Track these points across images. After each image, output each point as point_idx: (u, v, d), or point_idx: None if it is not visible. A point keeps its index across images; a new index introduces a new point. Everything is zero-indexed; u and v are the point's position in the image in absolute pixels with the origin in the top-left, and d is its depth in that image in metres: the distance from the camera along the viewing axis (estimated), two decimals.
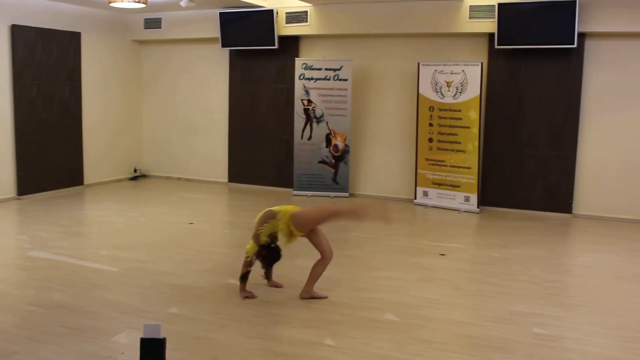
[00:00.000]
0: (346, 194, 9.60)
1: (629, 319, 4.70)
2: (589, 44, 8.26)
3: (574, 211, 8.55)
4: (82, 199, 9.24)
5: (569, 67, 8.35)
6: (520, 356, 3.99)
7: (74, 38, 9.62)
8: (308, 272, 5.72)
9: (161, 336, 3.32)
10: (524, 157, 8.72)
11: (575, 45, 7.99)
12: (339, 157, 9.57)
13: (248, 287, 5.05)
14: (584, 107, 8.40)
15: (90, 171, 10.17)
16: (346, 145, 9.52)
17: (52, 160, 9.39)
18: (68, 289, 5.11)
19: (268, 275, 5.28)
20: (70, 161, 9.74)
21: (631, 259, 6.44)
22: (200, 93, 10.83)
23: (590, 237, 7.52)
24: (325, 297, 4.98)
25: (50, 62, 9.23)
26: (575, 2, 7.78)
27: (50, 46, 9.21)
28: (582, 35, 8.13)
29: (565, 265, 6.34)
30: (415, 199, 9.22)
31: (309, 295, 5.01)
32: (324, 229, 5.01)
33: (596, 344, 4.20)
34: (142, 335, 3.33)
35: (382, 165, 9.68)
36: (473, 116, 8.50)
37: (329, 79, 9.45)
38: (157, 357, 3.29)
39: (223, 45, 10.03)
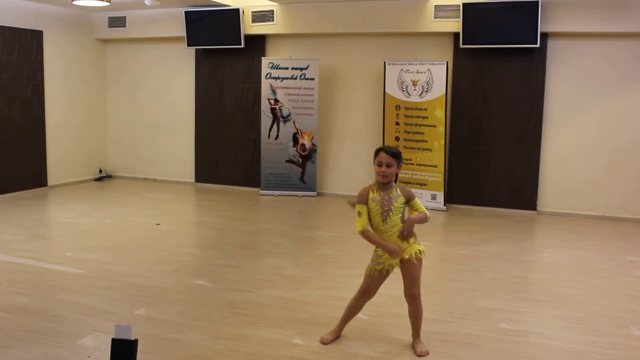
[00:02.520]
0: (314, 193, 9.61)
1: (593, 314, 4.79)
2: (551, 43, 8.40)
3: (538, 208, 8.68)
4: (46, 201, 9.09)
5: (532, 66, 8.48)
6: (487, 351, 4.04)
7: (35, 36, 9.45)
8: (276, 271, 5.72)
9: (132, 337, 3.28)
10: (490, 155, 8.83)
11: (538, 45, 8.12)
12: (306, 156, 9.57)
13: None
14: (547, 105, 8.54)
15: (54, 172, 10.02)
16: (313, 145, 9.53)
17: (15, 161, 9.21)
18: (32, 293, 5.02)
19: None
20: (33, 162, 9.58)
21: (594, 255, 6.57)
22: (166, 92, 10.73)
23: (555, 233, 7.64)
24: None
25: (11, 61, 9.05)
26: (537, 2, 7.91)
27: (12, 45, 9.04)
28: (544, 35, 8.27)
29: (531, 261, 6.43)
30: None
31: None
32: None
33: (561, 338, 4.27)
34: (113, 336, 3.28)
35: (349, 164, 9.71)
36: (439, 115, 8.58)
37: (295, 78, 9.45)
38: (128, 359, 3.25)
39: (189, 44, 9.96)
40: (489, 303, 4.97)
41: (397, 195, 4.00)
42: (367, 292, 4.15)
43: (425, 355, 4.00)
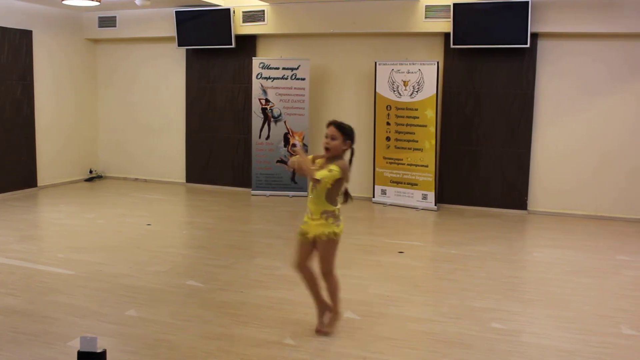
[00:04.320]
0: (305, 193, 9.60)
1: (584, 313, 4.81)
2: (541, 43, 8.43)
3: (529, 207, 8.71)
4: (36, 201, 9.04)
5: (522, 66, 8.51)
6: (479, 351, 4.05)
7: (25, 36, 9.39)
8: (267, 271, 5.72)
9: (99, 349, 3.24)
10: (480, 154, 8.85)
11: (528, 45, 8.15)
12: None
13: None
14: (538, 105, 8.57)
15: (45, 173, 9.96)
16: (304, 145, 9.52)
17: (5, 161, 9.15)
18: (22, 294, 4.99)
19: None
20: (23, 162, 9.52)
21: (585, 254, 6.60)
22: (157, 92, 10.70)
23: (546, 232, 7.67)
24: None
25: (0, 61, 8.99)
26: (527, 3, 7.94)
27: (1, 45, 8.98)
28: (534, 36, 8.30)
29: (522, 261, 6.46)
30: (374, 197, 9.27)
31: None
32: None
33: (552, 337, 4.29)
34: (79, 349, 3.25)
35: None
36: (430, 115, 8.60)
37: (286, 78, 9.44)
38: None
39: (179, 44, 9.93)
40: (480, 303, 4.98)
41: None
42: (297, 263, 4.33)
43: (323, 334, 4.24)
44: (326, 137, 4.13)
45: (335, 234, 4.20)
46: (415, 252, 6.57)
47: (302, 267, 4.30)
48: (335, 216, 4.20)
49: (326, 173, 4.04)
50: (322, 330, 4.29)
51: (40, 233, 7.37)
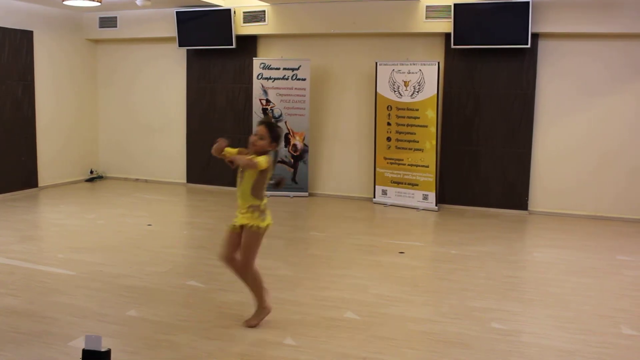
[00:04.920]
0: (305, 194, 9.61)
1: (584, 313, 4.81)
2: (542, 43, 8.43)
3: (529, 208, 8.71)
4: (36, 202, 9.05)
5: (523, 66, 8.51)
6: (479, 351, 4.05)
7: (26, 36, 9.40)
8: (268, 272, 5.72)
9: (103, 348, 3.23)
10: (481, 155, 8.85)
11: (529, 45, 8.16)
12: (298, 157, 9.57)
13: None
14: (538, 105, 8.58)
15: (45, 173, 9.97)
16: (305, 145, 9.53)
17: (5, 162, 9.16)
18: (23, 294, 5.00)
19: None
20: (23, 163, 9.52)
21: (585, 254, 6.60)
22: (157, 93, 10.71)
23: (546, 233, 7.67)
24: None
25: (1, 62, 9.00)
26: (528, 3, 7.94)
27: (2, 45, 8.99)
28: (535, 36, 8.30)
29: (522, 261, 6.46)
30: (374, 197, 9.28)
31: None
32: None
33: (552, 338, 4.29)
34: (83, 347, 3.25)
35: (341, 164, 9.72)
36: (430, 115, 8.60)
37: (287, 79, 9.44)
38: None
39: (180, 45, 9.94)
40: (480, 303, 4.98)
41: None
42: (222, 247, 4.44)
43: (249, 326, 4.35)
44: (255, 134, 4.31)
45: (259, 228, 4.28)
46: (415, 253, 6.58)
47: (229, 259, 4.41)
48: (260, 210, 4.30)
49: (260, 158, 4.20)
50: (248, 322, 4.40)
51: (40, 233, 7.37)
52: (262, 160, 4.17)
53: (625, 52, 8.14)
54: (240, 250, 4.34)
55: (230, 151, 4.40)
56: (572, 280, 5.67)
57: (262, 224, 4.30)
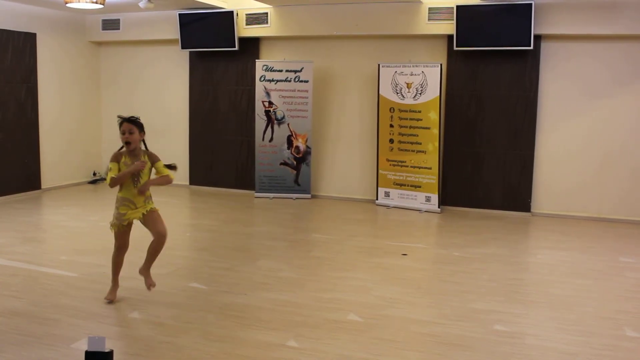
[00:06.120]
0: (308, 196, 9.61)
1: (587, 315, 4.80)
2: (544, 45, 8.43)
3: (532, 210, 8.70)
4: (39, 204, 9.06)
5: (525, 68, 8.51)
6: (482, 353, 4.05)
7: (29, 39, 9.42)
8: (271, 274, 5.73)
9: (106, 349, 3.24)
10: (484, 157, 8.85)
11: (531, 47, 8.15)
12: (301, 159, 9.57)
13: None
14: (541, 107, 8.57)
15: (48, 175, 9.98)
16: (307, 147, 9.53)
17: (8, 164, 9.18)
18: (26, 296, 5.00)
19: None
20: (27, 165, 9.54)
21: (588, 256, 6.59)
22: (160, 95, 10.72)
23: (549, 235, 7.66)
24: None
25: (5, 64, 9.02)
26: (531, 5, 7.93)
27: (5, 47, 9.01)
28: (538, 38, 8.29)
29: (525, 263, 6.45)
30: (377, 199, 9.27)
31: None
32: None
33: (555, 340, 4.28)
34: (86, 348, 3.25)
35: (343, 166, 9.72)
36: (433, 117, 8.59)
37: (289, 81, 9.45)
38: None
39: (183, 47, 9.95)
40: (483, 305, 4.97)
41: (144, 161, 4.59)
42: (122, 246, 4.89)
43: (153, 286, 4.88)
44: (124, 133, 4.59)
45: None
46: (418, 255, 6.57)
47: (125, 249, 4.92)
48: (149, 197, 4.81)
49: (165, 170, 4.77)
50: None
51: (43, 235, 7.38)
52: (163, 168, 4.78)
53: (628, 54, 8.13)
54: (159, 223, 4.78)
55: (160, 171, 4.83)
56: (575, 282, 5.66)
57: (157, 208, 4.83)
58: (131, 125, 4.61)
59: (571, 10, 8.04)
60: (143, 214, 4.71)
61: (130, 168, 4.57)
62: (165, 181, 4.75)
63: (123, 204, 4.71)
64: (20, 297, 4.98)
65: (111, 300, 4.86)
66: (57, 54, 10.06)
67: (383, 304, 4.96)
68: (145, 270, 4.94)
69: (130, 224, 4.80)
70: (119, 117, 4.70)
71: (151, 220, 4.75)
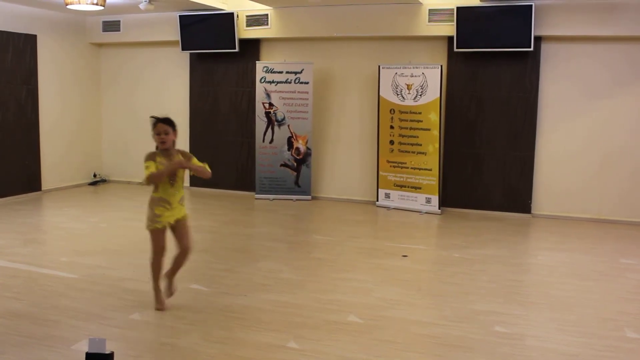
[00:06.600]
0: (308, 197, 9.62)
1: (587, 316, 4.80)
2: (544, 47, 8.43)
3: (532, 211, 8.70)
4: (40, 205, 9.07)
5: (526, 69, 8.51)
6: (482, 355, 4.05)
7: (30, 40, 9.43)
8: (271, 275, 5.73)
9: (107, 351, 3.24)
10: (484, 158, 8.85)
11: (531, 49, 8.15)
12: (301, 160, 9.57)
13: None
14: (541, 108, 8.57)
15: (49, 176, 9.99)
16: (308, 148, 9.53)
17: (9, 165, 9.19)
18: (26, 297, 5.00)
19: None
20: (27, 166, 9.55)
21: (588, 257, 6.58)
22: (161, 96, 10.72)
23: (549, 236, 7.66)
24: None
25: (5, 65, 9.03)
26: (531, 6, 7.94)
27: (5, 49, 9.02)
28: (538, 39, 8.30)
29: (525, 264, 6.45)
30: (377, 200, 9.27)
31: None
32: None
33: (555, 341, 4.28)
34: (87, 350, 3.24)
35: (343, 167, 9.72)
36: (433, 118, 8.60)
37: (290, 82, 9.45)
38: None
39: (183, 49, 9.95)
40: (483, 306, 4.97)
41: (185, 161, 4.59)
42: (160, 250, 4.75)
43: (172, 294, 4.85)
44: (159, 134, 4.57)
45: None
46: (418, 256, 6.57)
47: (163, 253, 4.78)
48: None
49: (200, 163, 4.73)
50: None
51: (43, 237, 7.38)
52: (198, 162, 4.75)
53: (628, 55, 8.13)
54: (188, 237, 4.80)
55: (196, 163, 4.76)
56: (576, 283, 5.66)
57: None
58: (166, 125, 4.59)
59: (571, 11, 8.04)
60: (177, 219, 4.69)
61: (171, 166, 4.55)
62: (204, 171, 4.68)
63: (158, 205, 4.66)
64: (20, 298, 4.98)
65: (161, 308, 4.75)
66: (57, 56, 10.07)
67: (383, 305, 4.96)
68: (170, 275, 4.89)
69: (166, 227, 4.72)
70: (152, 117, 4.66)
71: (181, 232, 4.76)
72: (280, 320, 4.59)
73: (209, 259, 6.31)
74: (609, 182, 8.37)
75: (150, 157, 4.59)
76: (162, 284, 4.84)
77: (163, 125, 4.58)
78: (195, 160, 4.71)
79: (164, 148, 4.60)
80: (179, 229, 4.74)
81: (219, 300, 5.03)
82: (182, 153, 4.71)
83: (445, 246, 7.09)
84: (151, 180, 4.54)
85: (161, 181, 4.59)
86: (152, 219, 4.67)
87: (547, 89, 8.52)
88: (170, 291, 4.87)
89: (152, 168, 4.52)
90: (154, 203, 4.68)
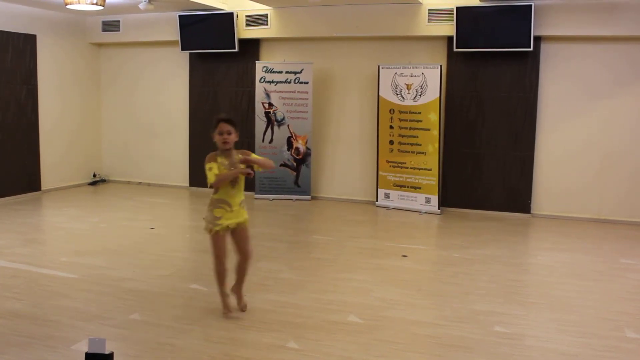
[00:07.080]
0: (308, 197, 9.61)
1: (587, 316, 4.80)
2: (544, 47, 8.43)
3: (532, 211, 8.70)
4: (39, 205, 9.06)
5: (525, 69, 8.51)
6: (482, 355, 4.05)
7: (29, 40, 9.43)
8: (271, 275, 5.73)
9: (107, 351, 3.23)
10: (484, 158, 8.85)
11: (531, 49, 8.15)
12: (301, 160, 9.57)
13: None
14: (541, 108, 8.57)
15: (48, 176, 9.98)
16: (307, 148, 9.53)
17: (8, 165, 9.18)
18: (26, 297, 5.00)
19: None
20: (27, 166, 9.54)
21: (588, 258, 6.58)
22: (160, 96, 10.72)
23: (549, 236, 7.66)
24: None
25: (5, 65, 9.03)
26: (530, 6, 7.94)
27: (5, 49, 9.02)
28: (537, 39, 8.30)
29: (525, 264, 6.45)
30: (377, 200, 9.27)
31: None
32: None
33: (555, 341, 4.28)
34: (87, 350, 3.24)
35: (343, 167, 9.72)
36: (433, 118, 8.60)
37: (289, 82, 9.45)
38: None
39: (183, 48, 9.95)
40: (483, 306, 4.97)
41: (238, 160, 4.50)
42: (221, 254, 4.63)
43: (244, 309, 4.71)
44: (222, 134, 4.48)
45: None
46: (418, 256, 6.57)
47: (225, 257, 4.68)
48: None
49: (259, 157, 4.65)
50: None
51: (43, 237, 7.38)
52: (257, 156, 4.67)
53: (628, 55, 8.13)
54: (248, 241, 4.70)
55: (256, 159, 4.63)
56: (575, 283, 5.66)
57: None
58: (229, 125, 4.48)
59: (571, 11, 8.04)
60: (238, 223, 4.58)
61: (235, 172, 4.44)
62: (268, 162, 4.62)
63: (218, 206, 4.53)
64: (20, 298, 4.98)
65: (229, 313, 4.65)
66: (57, 56, 10.07)
67: (383, 305, 4.96)
68: (237, 289, 4.78)
69: (226, 231, 4.59)
70: (216, 117, 4.57)
71: (241, 237, 4.66)
72: (280, 320, 4.59)
73: (209, 259, 6.26)
74: (609, 182, 8.37)
75: (212, 158, 4.48)
76: (230, 297, 4.75)
77: (226, 125, 4.48)
78: (254, 155, 4.59)
79: (226, 149, 4.49)
80: (239, 233, 4.62)
81: (219, 300, 5.01)
82: (241, 152, 4.58)
83: (445, 246, 7.09)
84: (217, 184, 4.43)
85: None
86: (212, 221, 4.55)
87: (547, 89, 8.52)
88: (241, 307, 4.73)
89: (215, 170, 4.41)
90: (213, 205, 4.55)
